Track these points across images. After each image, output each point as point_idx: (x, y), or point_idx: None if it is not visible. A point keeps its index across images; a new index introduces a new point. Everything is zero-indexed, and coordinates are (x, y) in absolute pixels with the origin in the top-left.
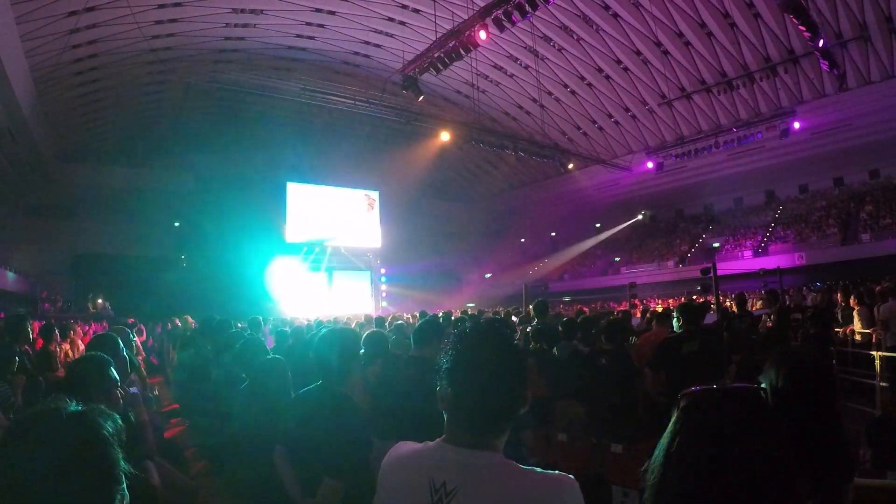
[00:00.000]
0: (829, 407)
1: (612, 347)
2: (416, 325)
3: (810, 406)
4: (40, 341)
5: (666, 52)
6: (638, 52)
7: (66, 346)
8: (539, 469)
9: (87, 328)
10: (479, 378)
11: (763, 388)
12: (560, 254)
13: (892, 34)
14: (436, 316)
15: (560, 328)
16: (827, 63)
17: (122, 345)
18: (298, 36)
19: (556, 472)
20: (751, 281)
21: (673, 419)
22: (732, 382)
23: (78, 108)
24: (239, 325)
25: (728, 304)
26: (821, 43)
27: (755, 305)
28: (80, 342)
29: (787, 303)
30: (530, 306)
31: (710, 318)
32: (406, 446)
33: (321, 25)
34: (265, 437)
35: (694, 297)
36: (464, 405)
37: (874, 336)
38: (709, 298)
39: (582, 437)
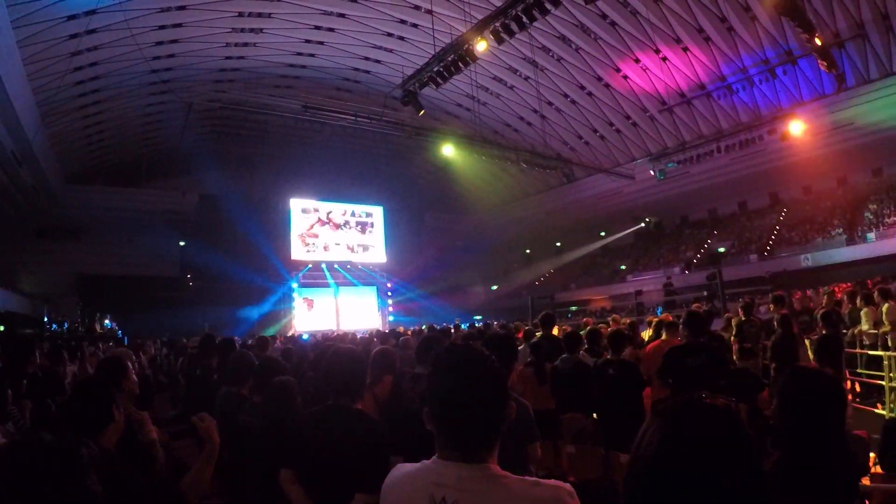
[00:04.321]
0: (837, 424)
1: (618, 358)
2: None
3: (817, 423)
4: (47, 363)
5: (664, 59)
6: (636, 60)
7: (74, 368)
8: (534, 478)
9: (93, 349)
10: (454, 396)
11: (735, 402)
12: (565, 264)
13: (889, 32)
14: (437, 332)
15: (563, 341)
16: (825, 63)
17: (130, 365)
18: (298, 54)
19: (553, 480)
20: (757, 285)
21: (643, 427)
22: (709, 395)
23: (82, 131)
24: (250, 342)
25: (738, 309)
26: (818, 43)
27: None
28: (88, 364)
29: (795, 306)
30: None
31: (717, 323)
32: (404, 467)
33: (321, 43)
34: (275, 457)
35: (695, 304)
36: (444, 423)
37: (880, 336)
38: (715, 304)
39: (591, 448)
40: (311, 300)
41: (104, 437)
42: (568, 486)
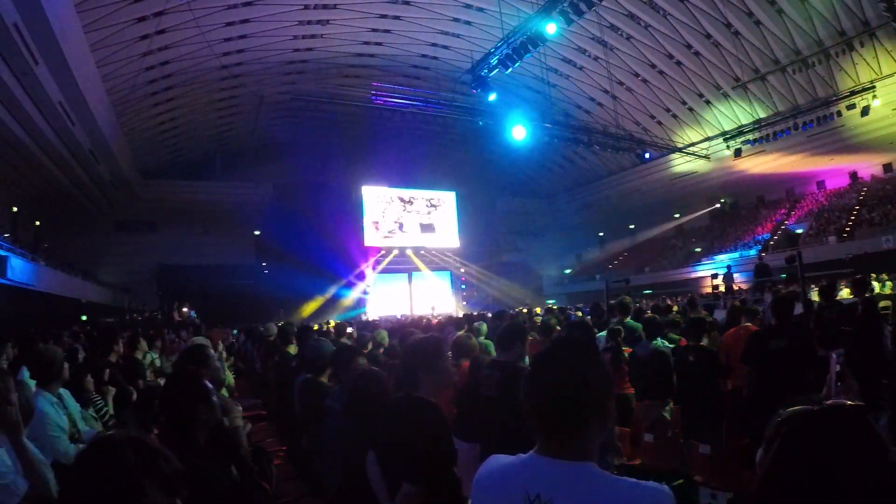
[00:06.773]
0: None
1: (698, 344)
2: (500, 329)
3: None
4: (126, 350)
5: (736, 33)
6: (708, 35)
7: (156, 356)
8: (633, 479)
9: (173, 336)
10: (551, 389)
11: (864, 407)
12: (639, 246)
13: None
14: (518, 318)
15: (642, 327)
16: None
17: (212, 354)
18: (366, 43)
19: (652, 482)
20: (837, 268)
21: (774, 442)
22: (830, 397)
23: (156, 127)
24: (325, 328)
25: (816, 293)
26: None
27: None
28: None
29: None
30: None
31: (796, 309)
32: (499, 459)
33: (387, 31)
34: (358, 443)
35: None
36: (541, 415)
37: None
38: (795, 287)
39: (669, 438)
40: (367, 290)
41: (195, 430)
42: (667, 489)
